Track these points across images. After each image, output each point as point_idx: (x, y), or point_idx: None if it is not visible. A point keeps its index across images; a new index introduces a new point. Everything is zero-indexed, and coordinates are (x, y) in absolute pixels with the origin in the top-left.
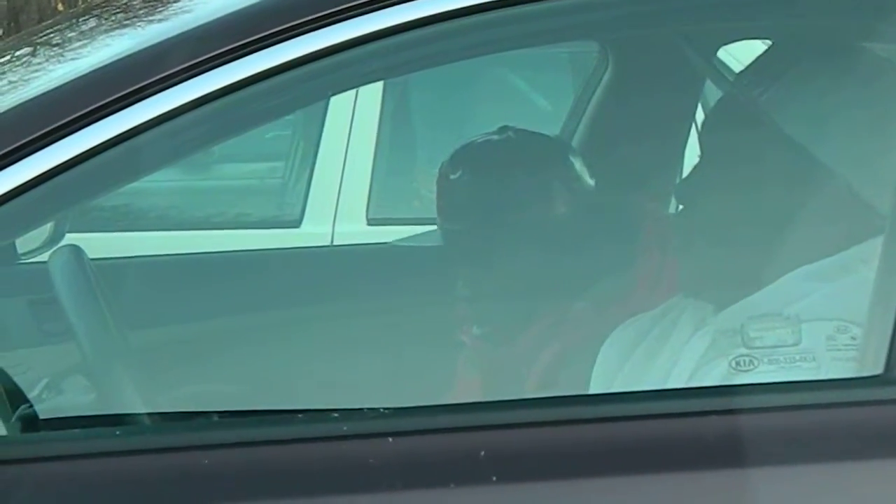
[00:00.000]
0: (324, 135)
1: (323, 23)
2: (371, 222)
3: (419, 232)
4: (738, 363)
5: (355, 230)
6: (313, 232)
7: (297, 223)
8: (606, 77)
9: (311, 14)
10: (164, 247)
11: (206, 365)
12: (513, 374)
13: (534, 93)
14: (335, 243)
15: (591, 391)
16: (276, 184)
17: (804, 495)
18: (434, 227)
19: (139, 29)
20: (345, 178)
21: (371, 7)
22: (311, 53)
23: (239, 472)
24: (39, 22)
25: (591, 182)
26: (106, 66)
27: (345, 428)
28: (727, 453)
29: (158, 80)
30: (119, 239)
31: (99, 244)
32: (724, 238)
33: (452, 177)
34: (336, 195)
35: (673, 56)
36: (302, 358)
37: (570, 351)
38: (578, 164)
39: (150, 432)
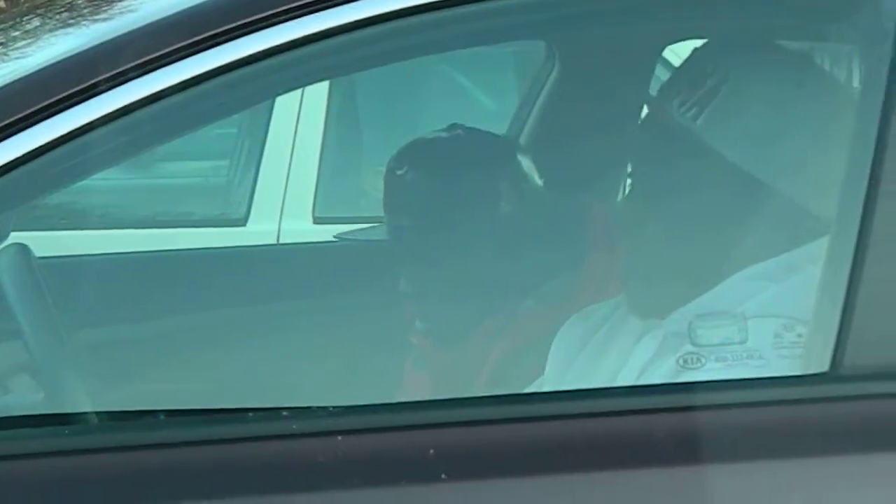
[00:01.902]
0: (269, 133)
1: (270, 22)
2: (317, 221)
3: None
4: (685, 361)
5: (301, 228)
6: (259, 230)
7: (243, 221)
8: (553, 76)
9: (258, 13)
10: (109, 245)
11: (154, 364)
12: (461, 373)
13: (478, 91)
14: (281, 241)
15: (545, 388)
16: (221, 182)
17: (751, 492)
18: (378, 223)
19: (84, 28)
20: (291, 176)
21: (317, 7)
22: (260, 52)
23: (188, 471)
24: None
25: (539, 181)
26: (52, 64)
27: (294, 426)
28: (675, 451)
29: (106, 78)
30: (63, 237)
31: (43, 243)
32: (668, 244)
33: (399, 172)
34: (282, 193)
35: (619, 55)
36: (249, 357)
37: (517, 349)
38: (526, 163)
39: (98, 431)
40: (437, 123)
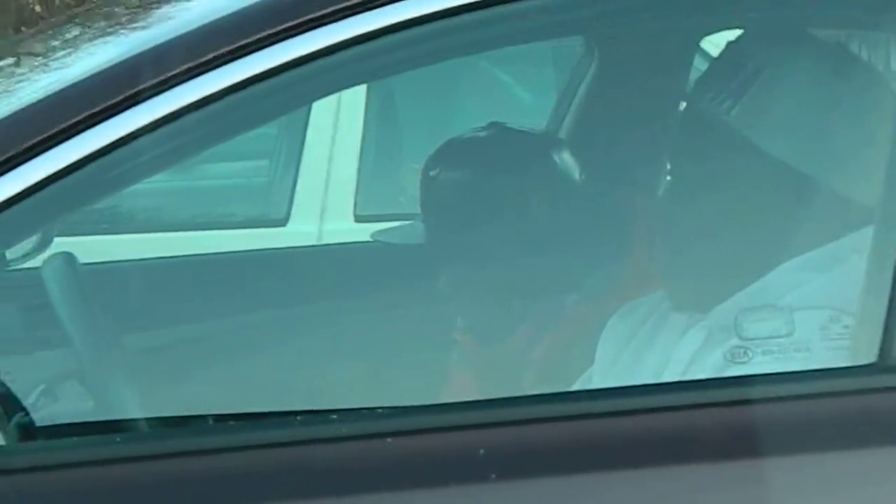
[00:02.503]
0: (309, 132)
1: (310, 26)
2: (359, 219)
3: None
4: (732, 355)
5: (343, 228)
6: (300, 230)
7: (283, 222)
8: (592, 70)
9: (300, 17)
10: (151, 249)
11: (199, 368)
12: (506, 371)
13: (518, 86)
14: (323, 241)
15: (594, 385)
16: (261, 182)
17: (801, 485)
18: (412, 220)
19: (123, 36)
20: (331, 175)
21: (358, 9)
22: (301, 57)
23: (240, 476)
24: (17, 24)
25: (579, 176)
26: (96, 73)
27: (343, 429)
28: (724, 445)
29: (150, 86)
30: (105, 242)
31: (85, 248)
32: (709, 237)
33: (433, 173)
34: (323, 193)
35: (657, 47)
36: (294, 359)
37: (561, 346)
38: (566, 159)
39: (150, 438)
40: (475, 119)
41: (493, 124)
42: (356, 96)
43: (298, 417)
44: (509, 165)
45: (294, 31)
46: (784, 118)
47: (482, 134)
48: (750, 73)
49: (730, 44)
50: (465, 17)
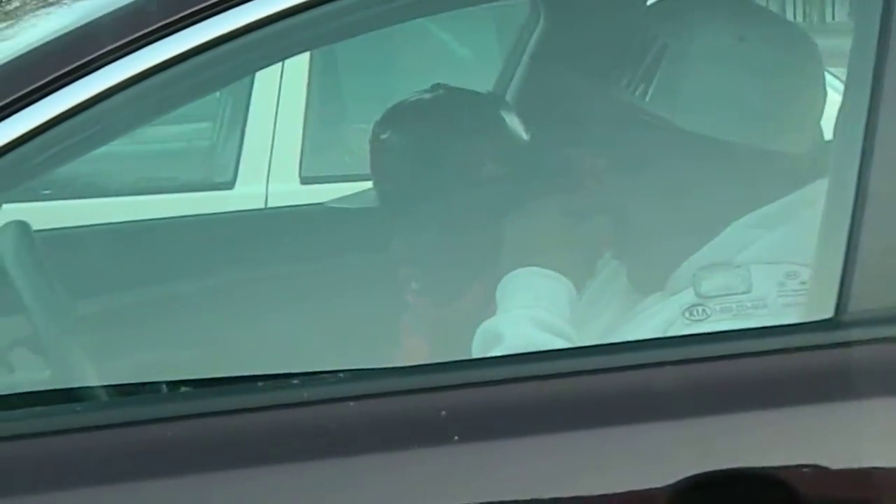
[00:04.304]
0: (253, 94)
1: None
2: (304, 181)
3: (353, 191)
4: (690, 313)
5: (289, 189)
6: (247, 193)
7: (230, 185)
8: (539, 29)
9: None
10: (96, 215)
11: (153, 333)
12: (459, 332)
13: (458, 44)
14: (270, 203)
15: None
16: (204, 145)
17: (761, 441)
18: (365, 184)
19: (66, 7)
20: (276, 137)
21: None
22: (241, 27)
23: (200, 443)
24: None
25: (527, 136)
26: (38, 47)
27: (305, 394)
28: (683, 404)
29: (95, 58)
30: (48, 208)
31: (27, 214)
32: (656, 218)
33: (383, 136)
34: (268, 155)
35: (605, 7)
36: (248, 323)
37: None
38: (513, 120)
39: (110, 407)
40: (418, 78)
41: (438, 85)
42: (299, 57)
43: (260, 383)
44: (458, 126)
45: (232, 4)
46: (695, 94)
47: (428, 95)
48: (654, 56)
49: (633, 28)
50: None
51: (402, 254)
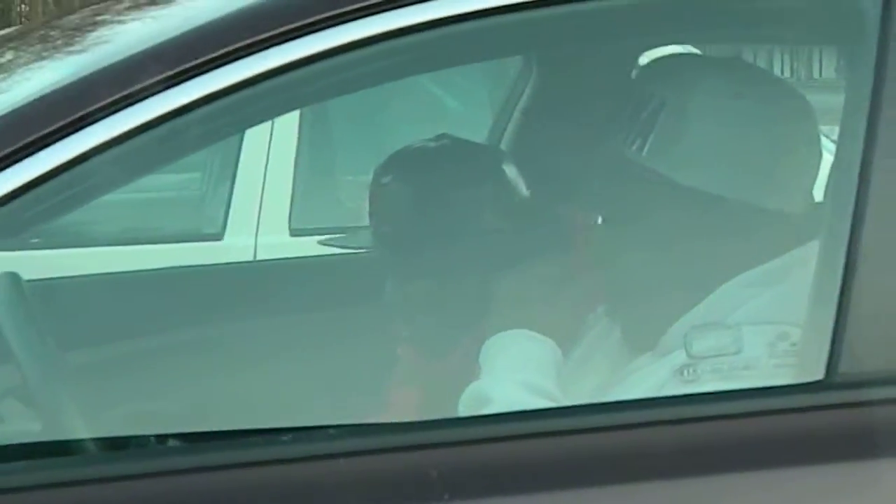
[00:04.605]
0: (244, 144)
1: (241, 54)
2: (294, 233)
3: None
4: (682, 373)
5: (279, 241)
6: (236, 244)
7: (219, 236)
8: (531, 85)
9: (229, 45)
10: (84, 265)
11: (142, 385)
12: (448, 385)
13: (448, 97)
14: (259, 255)
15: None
16: (193, 195)
17: (752, 502)
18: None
19: (59, 61)
20: (266, 188)
21: (290, 37)
22: (237, 83)
23: (192, 498)
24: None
25: (525, 191)
26: (33, 101)
27: (295, 450)
28: (674, 463)
29: (86, 113)
30: (35, 258)
31: (14, 263)
32: (651, 274)
33: (384, 181)
34: (258, 206)
35: (598, 62)
36: (237, 376)
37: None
38: (514, 174)
39: (99, 462)
40: (408, 131)
41: (443, 135)
42: None
43: (251, 438)
44: (460, 177)
45: (227, 59)
46: (693, 150)
47: (433, 144)
48: (651, 111)
49: (627, 85)
50: (406, 40)
51: (394, 299)
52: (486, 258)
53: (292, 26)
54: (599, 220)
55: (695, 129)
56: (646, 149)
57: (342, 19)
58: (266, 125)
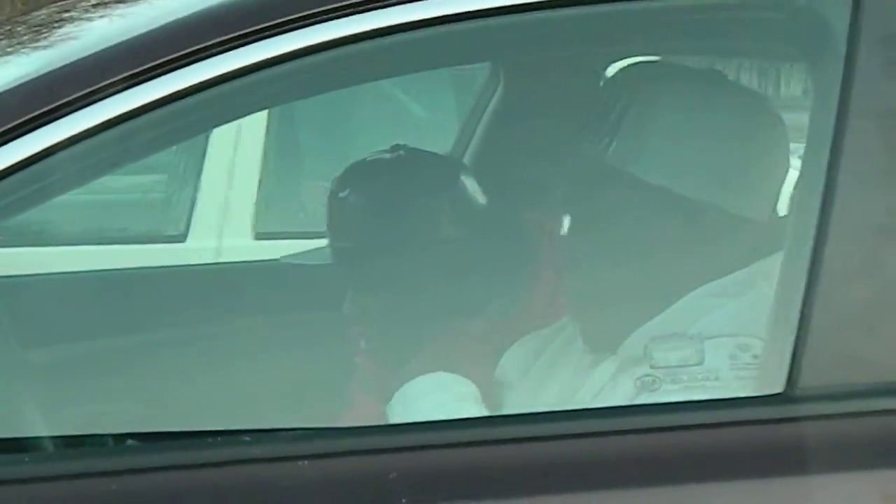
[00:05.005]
0: (209, 147)
1: (212, 52)
2: (258, 236)
3: (307, 248)
4: (642, 383)
5: (242, 245)
6: (199, 247)
7: (182, 238)
8: (498, 94)
9: (199, 43)
10: (46, 263)
11: (103, 384)
12: None
13: (415, 105)
14: (223, 258)
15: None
16: (158, 197)
17: None
18: (322, 243)
19: (25, 56)
20: (231, 191)
21: (257, 37)
22: (204, 81)
23: (149, 498)
24: None
25: (484, 200)
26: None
27: (257, 451)
28: (630, 473)
29: (52, 108)
30: None
31: None
32: (615, 275)
33: (342, 195)
34: (222, 209)
35: (564, 72)
36: (198, 376)
37: (463, 370)
38: (471, 182)
39: (56, 459)
40: (375, 137)
41: (398, 146)
42: (257, 113)
43: (210, 439)
44: (416, 187)
45: (194, 57)
46: (660, 149)
47: (389, 155)
48: (619, 111)
49: (595, 92)
50: (371, 44)
51: (353, 312)
52: (445, 269)
53: (259, 27)
54: (566, 228)
55: (663, 128)
56: (611, 148)
57: (307, 21)
58: (233, 128)
